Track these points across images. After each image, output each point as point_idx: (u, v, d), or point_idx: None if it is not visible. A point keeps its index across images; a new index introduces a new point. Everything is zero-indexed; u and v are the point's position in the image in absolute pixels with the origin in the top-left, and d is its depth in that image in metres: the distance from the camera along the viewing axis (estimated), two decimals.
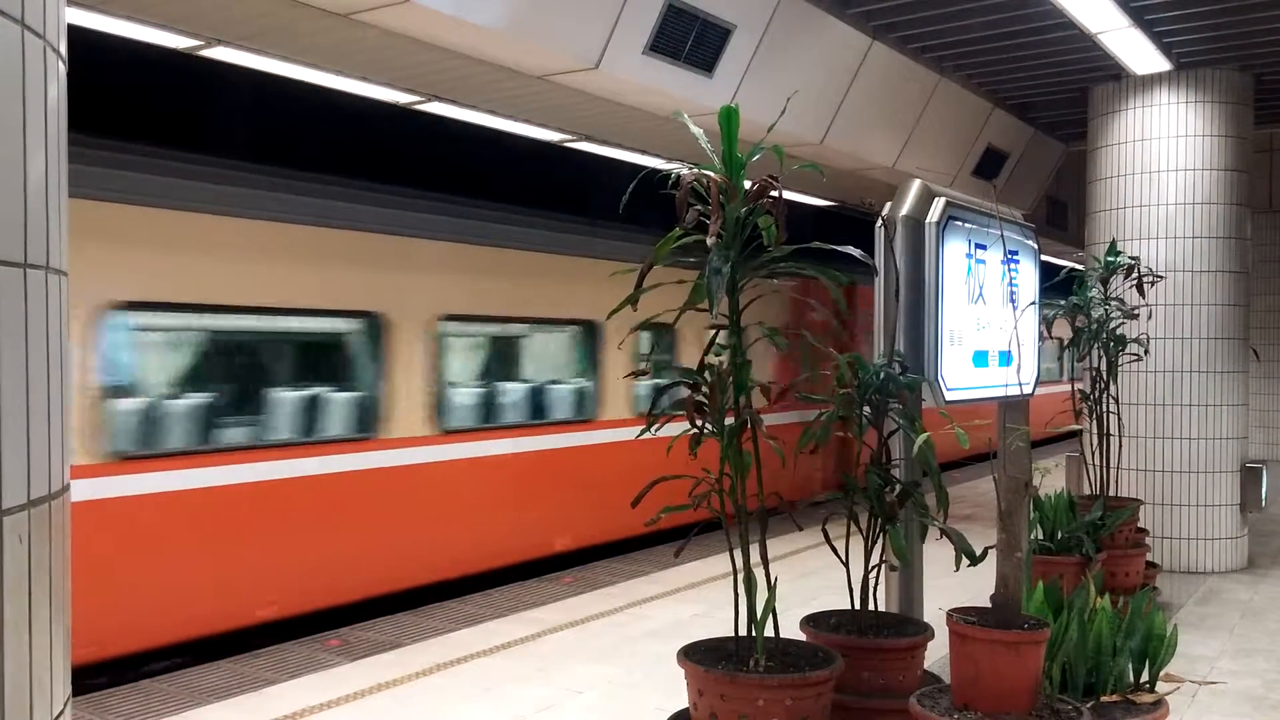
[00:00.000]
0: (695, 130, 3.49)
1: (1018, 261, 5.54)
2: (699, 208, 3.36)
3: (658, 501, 3.50)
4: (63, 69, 1.63)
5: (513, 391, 9.96)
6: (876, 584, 4.12)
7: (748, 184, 3.43)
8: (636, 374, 4.30)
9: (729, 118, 3.42)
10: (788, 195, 3.49)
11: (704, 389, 3.47)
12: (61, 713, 1.58)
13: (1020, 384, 5.00)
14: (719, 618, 6.04)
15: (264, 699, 5.37)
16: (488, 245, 9.20)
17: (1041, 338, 6.14)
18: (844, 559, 4.05)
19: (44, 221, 1.51)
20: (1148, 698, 4.29)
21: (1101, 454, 7.01)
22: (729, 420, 3.45)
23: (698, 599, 7.50)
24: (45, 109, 1.53)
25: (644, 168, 3.47)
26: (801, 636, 3.89)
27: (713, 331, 3.56)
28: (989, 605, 3.63)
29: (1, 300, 1.39)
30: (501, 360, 10.33)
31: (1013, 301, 5.37)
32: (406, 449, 8.36)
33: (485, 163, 11.85)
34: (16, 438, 1.42)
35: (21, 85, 1.44)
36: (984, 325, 5.16)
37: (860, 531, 4.09)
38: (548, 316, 10.15)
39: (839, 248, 3.68)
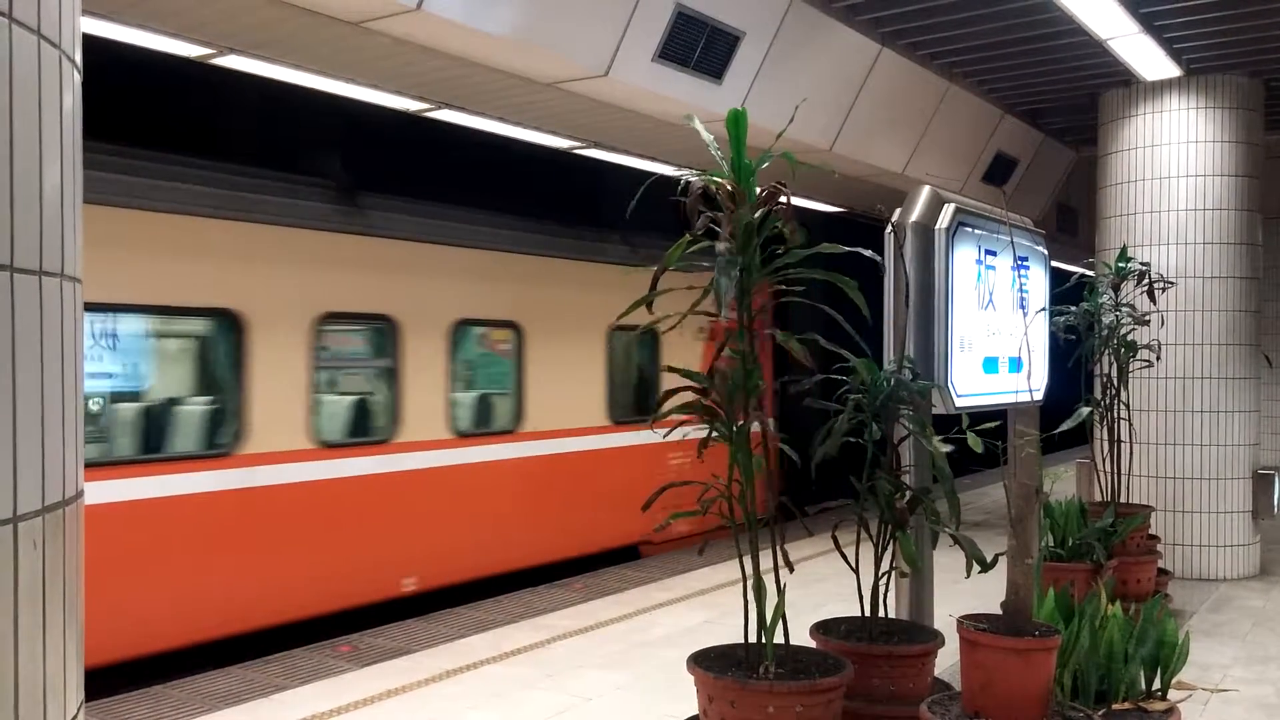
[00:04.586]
0: (705, 136, 3.48)
1: (1028, 267, 5.53)
2: (709, 214, 3.36)
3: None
4: (78, 78, 1.64)
5: None
6: (887, 591, 4.12)
7: (758, 189, 3.43)
8: None
9: (736, 122, 3.41)
10: (796, 201, 3.49)
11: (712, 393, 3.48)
12: (75, 717, 1.59)
13: (1031, 390, 5.00)
14: (729, 624, 6.03)
15: (275, 705, 5.38)
16: None
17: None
18: (854, 566, 4.04)
19: (59, 230, 1.52)
20: (1159, 705, 4.27)
21: (1112, 460, 6.98)
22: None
23: (708, 605, 7.48)
24: (61, 118, 1.54)
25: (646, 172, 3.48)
26: (811, 643, 3.89)
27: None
28: (1000, 612, 3.62)
29: (18, 308, 1.39)
30: None
31: (1023, 308, 5.36)
32: None
33: None
34: (31, 444, 1.43)
35: (38, 95, 1.45)
36: (994, 332, 5.16)
37: (870, 538, 4.08)
38: None
39: (852, 249, 3.67)
